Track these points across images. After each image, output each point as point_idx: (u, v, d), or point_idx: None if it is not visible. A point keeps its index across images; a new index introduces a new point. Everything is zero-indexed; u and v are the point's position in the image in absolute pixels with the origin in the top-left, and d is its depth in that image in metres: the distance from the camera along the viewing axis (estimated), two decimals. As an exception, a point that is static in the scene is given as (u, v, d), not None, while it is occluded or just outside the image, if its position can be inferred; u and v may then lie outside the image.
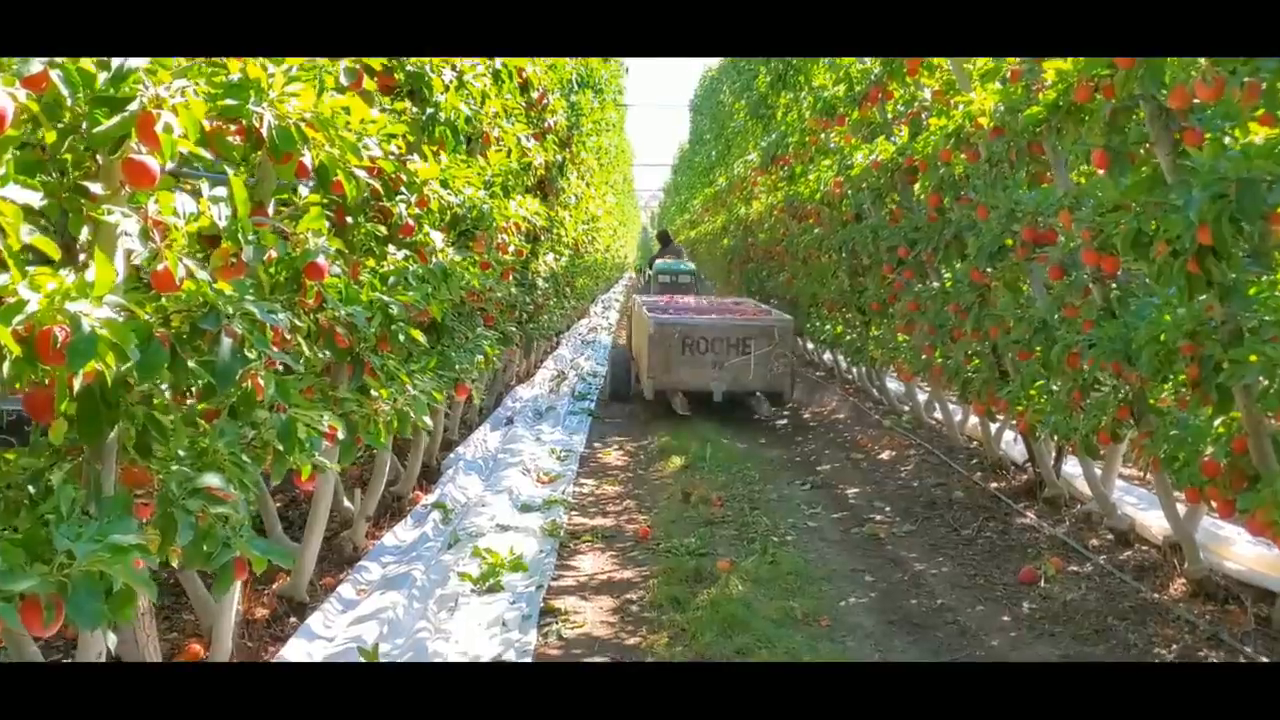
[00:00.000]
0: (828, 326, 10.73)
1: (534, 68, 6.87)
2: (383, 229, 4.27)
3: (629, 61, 17.57)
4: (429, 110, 4.27)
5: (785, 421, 10.15)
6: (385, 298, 3.90)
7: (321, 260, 3.12)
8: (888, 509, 6.58)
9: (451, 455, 7.40)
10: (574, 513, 6.43)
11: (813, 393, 11.68)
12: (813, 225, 10.17)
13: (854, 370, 11.42)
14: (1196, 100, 3.48)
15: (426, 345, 4.83)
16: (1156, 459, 4.30)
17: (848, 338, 9.92)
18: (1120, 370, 4.34)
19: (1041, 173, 5.02)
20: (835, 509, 6.63)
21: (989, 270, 5.57)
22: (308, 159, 2.86)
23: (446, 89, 4.23)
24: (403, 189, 4.15)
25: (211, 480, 2.58)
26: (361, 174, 3.51)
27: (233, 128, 2.85)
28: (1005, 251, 5.38)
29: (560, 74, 8.44)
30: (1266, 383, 3.44)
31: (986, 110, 5.12)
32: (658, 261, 15.86)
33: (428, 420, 3.93)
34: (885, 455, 8.22)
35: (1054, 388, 5.26)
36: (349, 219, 4.05)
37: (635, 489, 7.22)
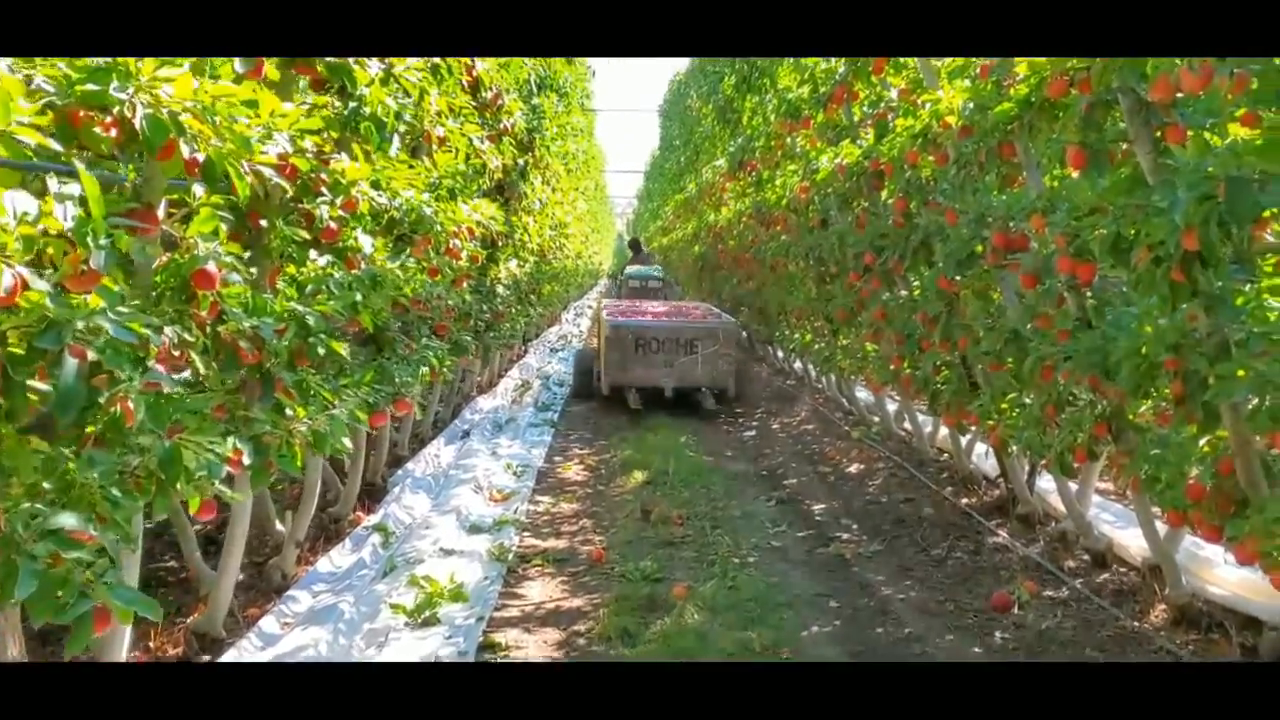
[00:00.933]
0: (796, 335, 10.47)
1: (484, 66, 6.54)
2: (305, 233, 3.94)
3: (596, 65, 17.31)
4: (352, 104, 3.94)
5: (753, 433, 9.86)
6: (300, 308, 3.57)
7: (211, 267, 2.80)
8: (855, 527, 6.29)
9: (400, 472, 7.05)
10: (526, 534, 6.10)
11: (782, 403, 11.40)
12: (780, 232, 9.90)
13: (824, 380, 11.16)
14: (1180, 94, 3.22)
15: (352, 359, 4.51)
16: (1136, 479, 4.03)
17: (816, 347, 9.65)
18: (1098, 384, 4.07)
19: (1013, 175, 4.74)
20: (801, 527, 6.33)
21: (958, 278, 5.28)
22: (189, 154, 2.53)
23: (372, 82, 3.91)
24: (324, 190, 3.82)
25: (67, 520, 2.24)
26: (269, 172, 3.18)
27: (108, 118, 2.54)
28: (975, 258, 5.10)
29: (516, 74, 8.12)
30: (1256, 401, 3.15)
31: (954, 109, 4.84)
32: (629, 268, 16.83)
33: (347, 442, 3.60)
34: (854, 469, 7.94)
35: (1027, 401, 4.99)
36: (263, 222, 3.74)
37: (594, 506, 6.89)
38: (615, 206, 57.53)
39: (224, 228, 2.99)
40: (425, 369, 5.86)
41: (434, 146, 5.69)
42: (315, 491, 4.92)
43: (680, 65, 21.39)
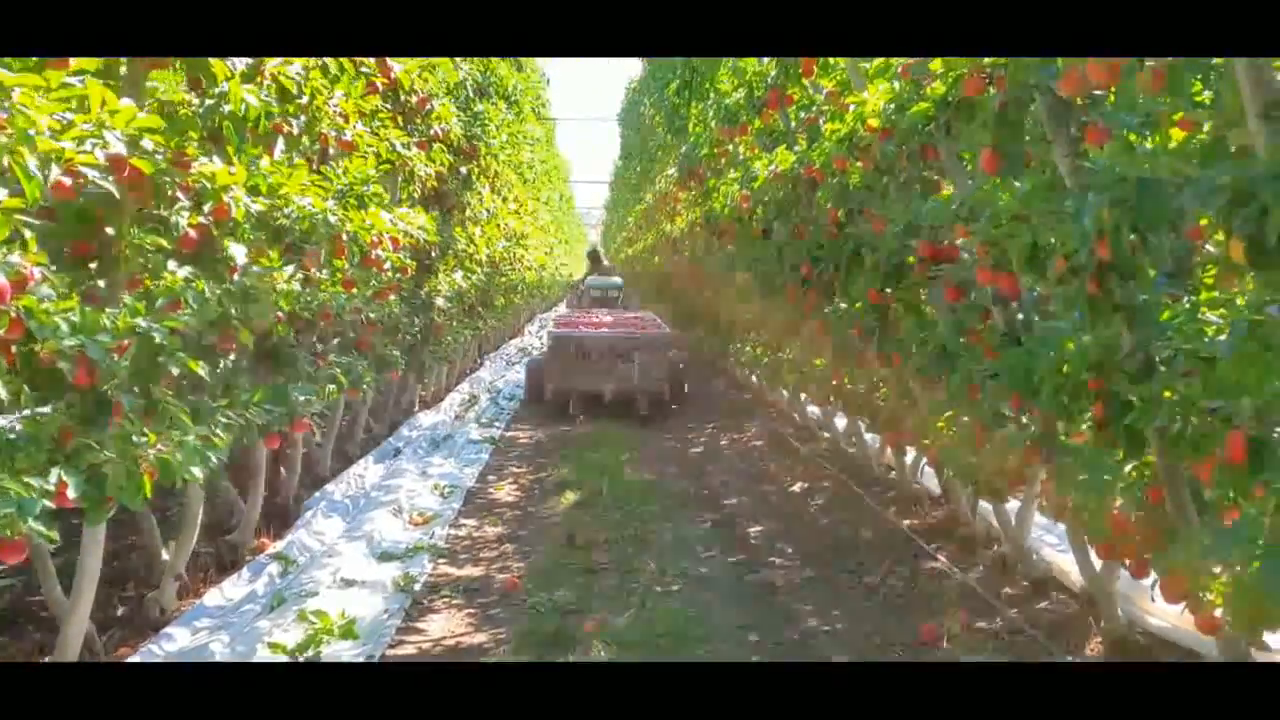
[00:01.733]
0: (747, 348, 10.21)
1: (402, 68, 6.22)
2: (164, 242, 3.61)
3: (552, 73, 17.08)
4: (209, 102, 3.62)
5: (700, 450, 9.56)
6: (146, 323, 3.24)
7: (-1, 279, 2.47)
8: (790, 551, 5.99)
9: (317, 494, 6.71)
10: (441, 560, 5.76)
11: (735, 417, 11.11)
12: (728, 243, 9.62)
13: (777, 395, 10.90)
14: (1097, 92, 2.96)
15: (234, 379, 4.19)
16: (1065, 506, 3.75)
17: (764, 361, 9.37)
18: (1021, 404, 3.79)
19: (938, 180, 4.48)
20: (733, 551, 6.03)
21: (888, 290, 5.01)
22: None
23: (231, 77, 3.59)
24: (180, 195, 3.49)
25: None
26: (94, 174, 2.87)
27: None
28: (905, 269, 4.82)
29: (447, 78, 7.80)
30: (1181, 425, 2.88)
31: (878, 111, 4.57)
32: (590, 278, 18.15)
33: (196, 472, 3.27)
34: (797, 487, 7.65)
35: (965, 419, 4.71)
36: (110, 230, 3.41)
37: (519, 529, 6.56)
38: (588, 218, 57.15)
39: (29, 234, 2.67)
40: (332, 386, 5.54)
41: (338, 151, 5.38)
42: (196, 520, 4.58)
43: (635, 72, 21.10)
